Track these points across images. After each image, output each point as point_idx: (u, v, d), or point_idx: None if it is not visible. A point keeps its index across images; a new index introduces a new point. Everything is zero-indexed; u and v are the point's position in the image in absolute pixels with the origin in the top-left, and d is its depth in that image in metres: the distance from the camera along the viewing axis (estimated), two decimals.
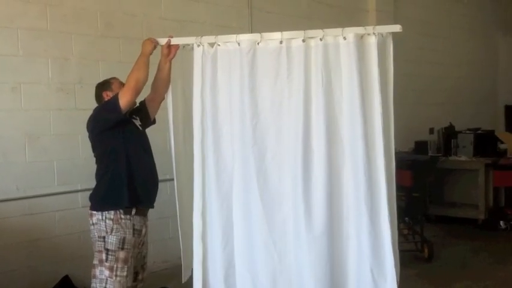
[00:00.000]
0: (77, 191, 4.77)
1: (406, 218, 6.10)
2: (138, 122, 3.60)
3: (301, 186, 3.34)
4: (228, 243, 3.51)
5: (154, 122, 3.80)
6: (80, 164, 4.75)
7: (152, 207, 3.62)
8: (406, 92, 7.87)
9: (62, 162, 4.87)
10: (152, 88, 3.69)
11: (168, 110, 3.66)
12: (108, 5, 5.18)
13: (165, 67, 3.60)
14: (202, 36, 3.49)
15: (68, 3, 4.92)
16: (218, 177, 3.49)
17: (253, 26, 6.20)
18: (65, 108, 4.83)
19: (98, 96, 3.61)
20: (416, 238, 5.96)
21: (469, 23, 9.49)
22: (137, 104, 3.61)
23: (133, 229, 3.45)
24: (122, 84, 3.55)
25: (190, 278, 3.63)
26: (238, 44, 3.42)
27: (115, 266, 3.37)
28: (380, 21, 7.28)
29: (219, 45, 3.46)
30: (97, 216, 3.42)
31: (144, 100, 3.70)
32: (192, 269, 3.70)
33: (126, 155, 3.45)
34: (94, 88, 3.68)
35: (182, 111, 3.70)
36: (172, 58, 3.59)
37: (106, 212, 3.40)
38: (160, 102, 3.74)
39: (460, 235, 6.88)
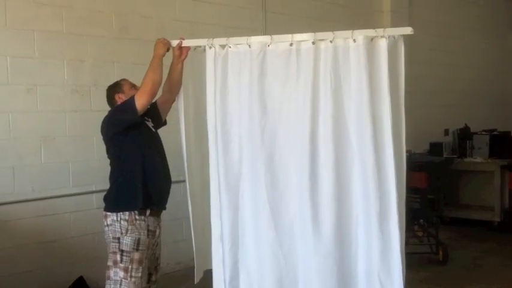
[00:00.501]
0: (92, 192, 4.80)
1: (421, 220, 6.06)
2: (150, 124, 3.62)
3: (308, 189, 3.33)
4: (234, 244, 3.50)
5: (165, 123, 3.82)
6: (95, 166, 4.77)
7: (165, 208, 3.63)
8: (421, 94, 7.81)
9: (77, 163, 4.90)
10: (164, 89, 3.70)
11: (179, 111, 3.67)
12: (123, 8, 5.21)
13: (177, 68, 3.62)
14: (213, 38, 3.51)
15: (83, 5, 4.95)
16: (226, 178, 3.48)
17: (267, 27, 6.20)
18: (79, 109, 4.87)
19: (110, 98, 3.63)
20: (431, 240, 5.91)
21: (482, 24, 9.42)
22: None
23: (148, 230, 3.45)
24: (133, 86, 3.58)
25: (203, 280, 3.63)
26: (249, 46, 3.42)
27: (130, 267, 3.38)
28: (394, 23, 7.25)
29: (230, 47, 3.47)
30: (111, 217, 3.43)
31: (156, 101, 3.70)
32: (205, 270, 3.74)
33: (142, 156, 3.47)
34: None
35: (193, 112, 3.72)
36: (184, 59, 3.61)
37: (121, 213, 3.41)
38: (172, 103, 3.76)
39: (474, 237, 6.83)
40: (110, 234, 3.44)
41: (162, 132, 3.76)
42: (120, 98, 3.55)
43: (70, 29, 4.86)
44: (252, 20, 6.14)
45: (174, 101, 3.73)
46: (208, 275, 3.69)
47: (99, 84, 4.83)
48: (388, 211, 3.26)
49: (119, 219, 3.41)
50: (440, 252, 5.77)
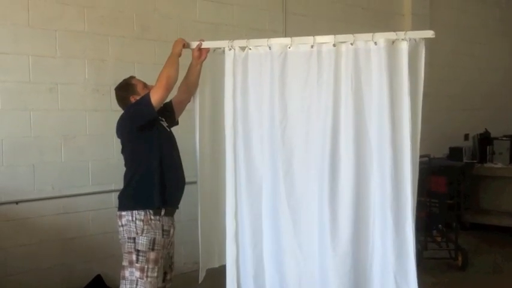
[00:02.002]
0: (111, 191, 4.82)
1: (440, 225, 6.01)
2: (165, 123, 3.61)
3: (327, 190, 3.35)
4: (257, 245, 3.52)
5: (177, 123, 3.82)
6: (114, 164, 4.77)
7: (178, 208, 3.62)
8: (441, 97, 7.76)
9: (97, 162, 4.94)
10: (180, 89, 3.72)
11: (195, 112, 3.69)
12: (144, 8, 5.24)
13: (196, 69, 3.64)
14: (233, 40, 3.51)
15: (105, 5, 4.99)
16: (248, 179, 3.51)
17: (287, 29, 6.19)
18: (100, 109, 4.90)
19: (124, 100, 3.58)
20: (450, 246, 5.85)
21: (505, 28, 9.31)
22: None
23: (163, 230, 3.44)
24: (144, 85, 3.58)
25: (220, 279, 3.64)
26: (269, 47, 3.43)
27: (146, 266, 3.37)
28: (415, 25, 7.20)
29: (250, 49, 3.48)
30: (127, 217, 3.41)
31: (171, 101, 3.72)
32: (207, 269, 3.80)
33: (159, 155, 3.46)
34: None
35: (209, 113, 3.74)
36: (203, 60, 3.63)
37: (136, 212, 3.39)
38: (187, 104, 3.77)
39: (494, 243, 6.74)
40: (125, 235, 3.42)
41: (179, 132, 3.76)
42: (135, 99, 3.52)
43: (92, 29, 4.91)
44: (273, 21, 6.14)
45: (189, 101, 3.75)
46: (210, 272, 3.72)
47: None
48: (405, 214, 3.27)
49: (134, 219, 3.39)
50: (460, 258, 5.70)
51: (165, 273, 3.57)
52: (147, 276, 3.37)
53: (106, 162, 4.92)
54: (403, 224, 3.27)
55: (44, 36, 4.67)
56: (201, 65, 3.65)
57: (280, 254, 3.49)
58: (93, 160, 4.94)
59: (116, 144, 3.64)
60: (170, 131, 3.65)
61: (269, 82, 3.44)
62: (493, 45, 9.02)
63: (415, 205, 3.33)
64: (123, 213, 3.44)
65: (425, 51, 3.30)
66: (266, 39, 3.47)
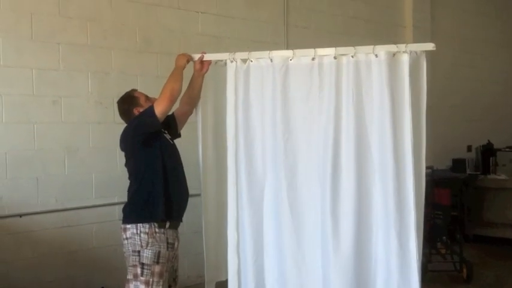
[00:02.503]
0: (114, 204, 4.81)
1: (444, 237, 5.98)
2: (168, 136, 3.61)
3: (330, 202, 3.35)
4: (259, 256, 3.52)
5: (180, 135, 3.82)
6: (117, 177, 4.77)
7: (181, 221, 3.61)
8: (443, 109, 7.76)
9: (100, 175, 4.94)
10: (182, 102, 3.72)
11: (198, 124, 3.70)
12: (147, 21, 5.27)
13: (197, 82, 3.66)
14: (235, 52, 3.53)
15: (108, 18, 5.02)
16: (250, 191, 3.51)
17: (289, 41, 6.21)
18: (103, 121, 4.91)
19: (128, 112, 3.58)
20: (455, 258, 5.82)
21: (506, 40, 9.33)
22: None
23: (167, 243, 3.43)
24: (147, 97, 3.59)
25: None
26: (271, 60, 3.45)
27: (151, 280, 3.34)
28: (417, 38, 7.22)
29: (251, 61, 3.50)
30: (131, 230, 3.40)
31: (173, 114, 3.72)
32: (216, 282, 3.77)
33: (163, 167, 3.45)
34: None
35: (212, 126, 3.76)
36: (205, 73, 3.64)
37: (141, 225, 3.38)
38: (189, 116, 3.78)
39: (498, 256, 6.70)
40: (130, 248, 3.41)
41: (180, 144, 3.74)
42: (139, 111, 3.53)
43: (95, 42, 4.93)
44: (275, 34, 6.17)
45: (191, 113, 3.76)
46: (219, 286, 3.69)
47: None
48: (408, 226, 3.26)
49: (138, 232, 3.38)
50: (464, 270, 5.66)
51: (169, 287, 3.54)
52: None
53: (109, 175, 4.91)
54: (407, 236, 3.26)
55: (47, 49, 4.69)
56: (202, 78, 3.67)
57: (282, 267, 3.48)
58: (97, 172, 4.94)
59: (120, 156, 3.65)
60: (173, 143, 3.65)
61: (271, 94, 3.45)
62: (494, 56, 9.04)
63: (422, 217, 3.34)
64: (128, 226, 3.42)
65: (427, 63, 3.31)
66: (268, 52, 3.49)
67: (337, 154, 3.35)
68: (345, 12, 6.91)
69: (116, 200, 4.82)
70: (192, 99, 3.71)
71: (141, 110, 3.51)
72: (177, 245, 3.54)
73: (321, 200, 3.39)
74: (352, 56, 3.32)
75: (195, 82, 3.68)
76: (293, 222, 3.43)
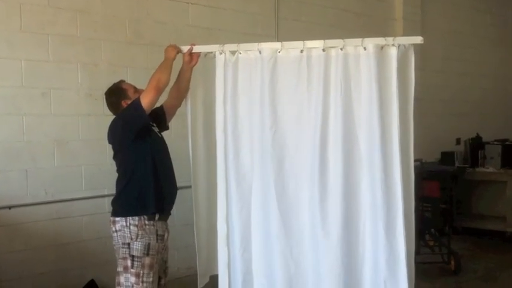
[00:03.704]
0: (104, 196, 4.80)
1: (432, 230, 6.03)
2: (156, 129, 3.59)
3: (318, 195, 3.36)
4: (246, 250, 3.53)
5: (168, 128, 3.81)
6: (107, 170, 4.75)
7: (170, 213, 3.61)
8: (433, 102, 7.80)
9: (90, 167, 4.93)
10: (171, 95, 3.70)
11: (187, 117, 3.69)
12: (137, 13, 5.24)
13: (186, 74, 3.64)
14: (224, 44, 3.52)
15: (98, 10, 4.99)
16: (238, 184, 3.52)
17: (280, 34, 6.21)
18: (93, 113, 4.88)
19: (116, 105, 3.55)
20: (443, 250, 5.87)
21: (496, 34, 9.38)
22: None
23: (157, 235, 3.42)
24: (135, 89, 3.56)
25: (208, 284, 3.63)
26: (260, 52, 3.44)
27: (141, 272, 3.34)
28: (407, 31, 7.25)
29: (240, 53, 3.49)
30: (120, 223, 3.39)
31: (162, 106, 3.70)
32: (210, 276, 3.77)
33: (153, 160, 3.44)
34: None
35: (202, 118, 3.74)
36: (194, 65, 3.63)
37: (130, 218, 3.37)
38: (177, 109, 3.77)
39: (487, 248, 6.78)
40: (119, 240, 3.40)
41: (169, 137, 3.74)
42: (127, 104, 3.49)
43: (84, 34, 4.90)
44: (265, 26, 6.16)
45: (180, 106, 3.74)
46: (213, 279, 3.71)
47: None
48: (395, 219, 3.27)
49: (128, 224, 3.37)
50: (452, 262, 5.73)
51: (159, 278, 3.55)
52: (142, 282, 3.34)
53: (99, 167, 4.91)
54: (394, 229, 3.27)
55: (36, 41, 4.66)
56: (191, 70, 3.64)
57: (270, 259, 3.48)
58: (86, 165, 4.93)
59: (109, 149, 3.63)
60: (162, 136, 3.64)
61: (259, 87, 3.44)
62: (484, 50, 9.09)
63: (413, 210, 3.35)
64: (117, 219, 3.41)
65: (417, 56, 3.32)
66: (256, 44, 3.47)
67: (324, 147, 3.35)
68: (335, 5, 6.91)
69: (105, 192, 4.79)
70: (181, 92, 3.69)
71: (129, 101, 3.48)
72: (167, 237, 3.55)
73: (309, 192, 3.39)
74: (341, 49, 3.32)
75: (184, 74, 3.65)
76: (281, 214, 3.43)
